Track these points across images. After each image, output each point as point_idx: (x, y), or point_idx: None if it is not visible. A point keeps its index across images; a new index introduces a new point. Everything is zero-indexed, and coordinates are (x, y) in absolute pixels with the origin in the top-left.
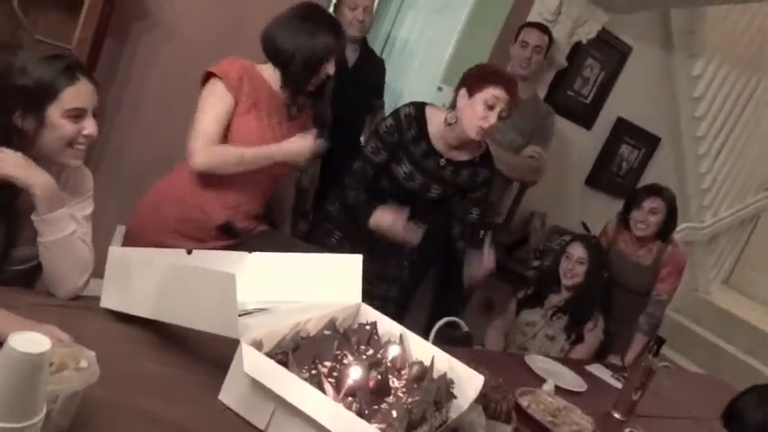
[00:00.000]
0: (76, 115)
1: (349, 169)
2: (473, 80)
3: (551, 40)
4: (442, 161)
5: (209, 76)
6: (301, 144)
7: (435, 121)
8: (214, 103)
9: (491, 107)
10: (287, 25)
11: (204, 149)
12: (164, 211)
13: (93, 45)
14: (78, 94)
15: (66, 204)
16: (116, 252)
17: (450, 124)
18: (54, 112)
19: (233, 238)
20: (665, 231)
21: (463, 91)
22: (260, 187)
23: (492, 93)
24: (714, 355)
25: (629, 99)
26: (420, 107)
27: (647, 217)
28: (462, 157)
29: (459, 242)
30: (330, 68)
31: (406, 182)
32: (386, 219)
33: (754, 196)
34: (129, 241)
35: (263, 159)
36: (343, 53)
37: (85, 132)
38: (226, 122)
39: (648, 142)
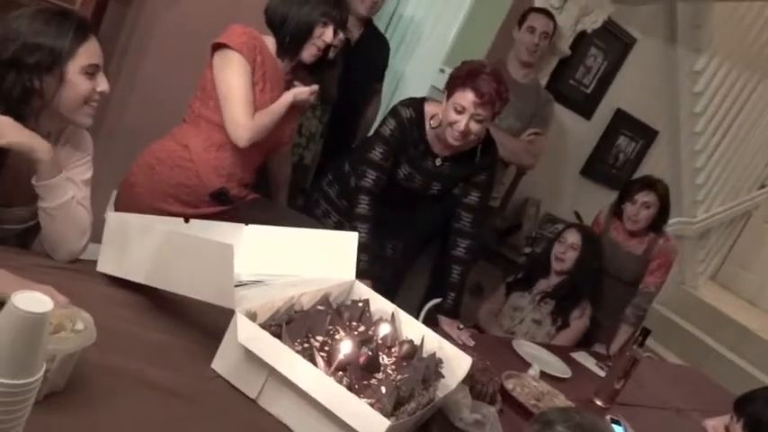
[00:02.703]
0: (92, 72)
1: (356, 180)
2: (450, 81)
3: (556, 26)
4: (438, 161)
5: (220, 46)
6: (303, 88)
7: (430, 119)
8: (240, 75)
9: (460, 112)
10: None
11: (250, 125)
12: (159, 175)
13: (97, 7)
14: (92, 50)
15: (65, 168)
16: (114, 217)
17: (434, 128)
18: (71, 70)
19: (225, 204)
20: (657, 224)
21: (445, 93)
22: (253, 159)
23: (458, 98)
24: (697, 349)
25: (630, 91)
26: (418, 108)
27: (639, 211)
28: (459, 149)
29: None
30: (327, 35)
31: (406, 183)
32: None
33: (747, 195)
34: (119, 202)
35: (283, 109)
36: (344, 23)
37: (100, 89)
38: (253, 93)
39: (646, 135)
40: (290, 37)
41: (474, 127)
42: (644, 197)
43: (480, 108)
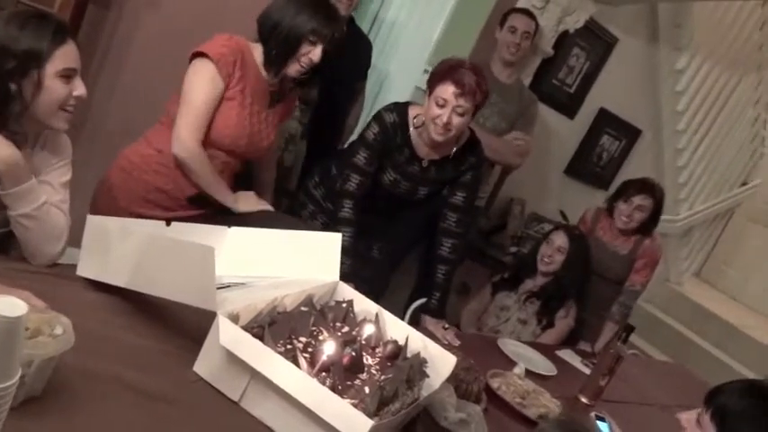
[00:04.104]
0: (68, 75)
1: (340, 183)
2: (431, 79)
3: (537, 26)
4: (425, 162)
5: (200, 54)
6: (246, 206)
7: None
8: (205, 86)
9: (442, 106)
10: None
11: (191, 143)
12: (134, 181)
13: (76, 10)
14: (69, 54)
15: (42, 172)
16: (94, 221)
17: (417, 127)
18: (47, 74)
19: (205, 207)
20: (646, 228)
21: (427, 92)
22: (230, 165)
23: (438, 91)
24: (682, 345)
25: (613, 90)
26: (402, 112)
27: (633, 212)
28: (444, 152)
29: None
30: (314, 55)
31: (391, 188)
32: None
33: (729, 192)
34: (96, 205)
35: (221, 197)
36: (338, 42)
37: (76, 93)
38: (214, 107)
39: (629, 134)
40: (277, 50)
41: (456, 120)
42: (641, 200)
43: (461, 99)
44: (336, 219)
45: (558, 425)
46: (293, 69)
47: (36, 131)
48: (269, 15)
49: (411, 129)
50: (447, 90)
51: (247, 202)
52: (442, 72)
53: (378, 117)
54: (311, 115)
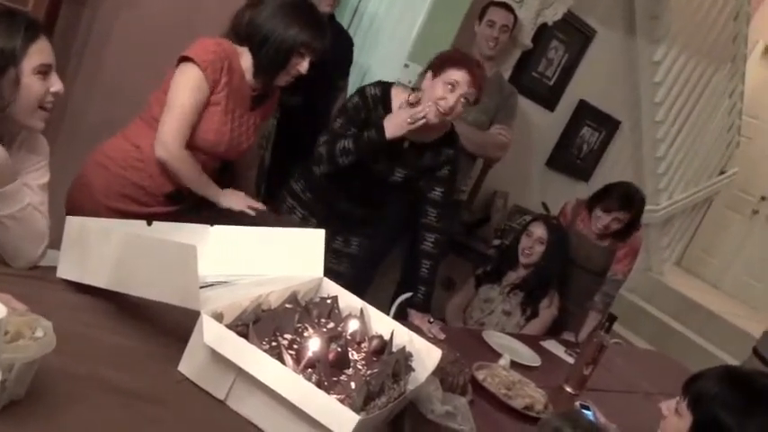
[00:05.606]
0: (44, 72)
1: (319, 145)
2: (438, 62)
3: (516, 19)
4: (406, 144)
5: (187, 59)
6: (231, 203)
7: (399, 103)
8: (191, 92)
9: (452, 88)
10: (273, 8)
11: (175, 147)
12: (112, 176)
13: (51, 8)
14: (43, 50)
15: (20, 173)
16: (74, 222)
17: (411, 104)
18: (23, 71)
19: (182, 203)
20: (623, 234)
21: (429, 73)
22: (208, 162)
23: (453, 74)
24: (664, 333)
25: (592, 82)
26: (386, 88)
27: (610, 223)
28: (425, 138)
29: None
30: (302, 67)
31: (371, 163)
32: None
33: (707, 181)
34: (71, 201)
35: (203, 193)
36: (324, 53)
37: (53, 89)
38: (199, 113)
39: (609, 125)
40: (267, 63)
41: (458, 108)
42: (620, 215)
43: (472, 88)
44: (332, 154)
45: (560, 415)
46: (282, 80)
47: (11, 132)
48: (261, 24)
49: (394, 105)
50: (461, 74)
51: (234, 199)
52: (456, 58)
53: (360, 90)
54: (294, 113)
